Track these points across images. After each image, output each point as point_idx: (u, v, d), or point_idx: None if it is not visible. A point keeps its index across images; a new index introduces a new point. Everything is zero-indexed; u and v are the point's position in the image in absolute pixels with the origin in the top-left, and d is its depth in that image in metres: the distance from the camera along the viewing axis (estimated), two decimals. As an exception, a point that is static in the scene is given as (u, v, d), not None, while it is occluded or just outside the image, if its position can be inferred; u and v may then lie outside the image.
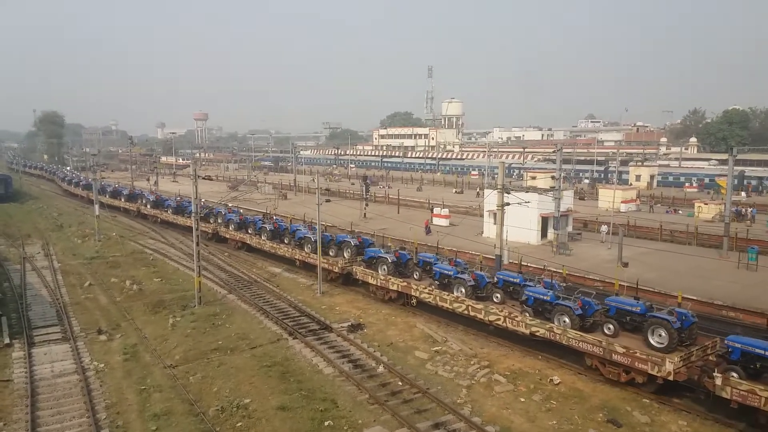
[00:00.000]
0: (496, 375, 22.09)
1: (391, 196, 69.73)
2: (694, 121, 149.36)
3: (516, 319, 24.01)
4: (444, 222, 49.83)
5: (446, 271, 28.00)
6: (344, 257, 35.23)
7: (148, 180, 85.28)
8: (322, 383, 21.33)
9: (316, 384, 21.24)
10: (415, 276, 29.91)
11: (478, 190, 76.01)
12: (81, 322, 28.83)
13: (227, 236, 46.86)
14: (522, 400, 20.20)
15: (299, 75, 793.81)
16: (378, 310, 30.62)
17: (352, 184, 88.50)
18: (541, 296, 23.67)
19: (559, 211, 40.16)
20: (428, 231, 45.82)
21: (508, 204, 31.27)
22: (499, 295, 25.91)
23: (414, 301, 29.61)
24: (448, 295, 27.12)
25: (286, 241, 40.13)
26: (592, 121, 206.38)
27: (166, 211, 56.71)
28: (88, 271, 39.33)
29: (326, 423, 18.37)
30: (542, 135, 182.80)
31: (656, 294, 28.86)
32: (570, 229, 44.05)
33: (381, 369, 22.61)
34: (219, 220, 48.51)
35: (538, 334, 23.15)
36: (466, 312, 26.23)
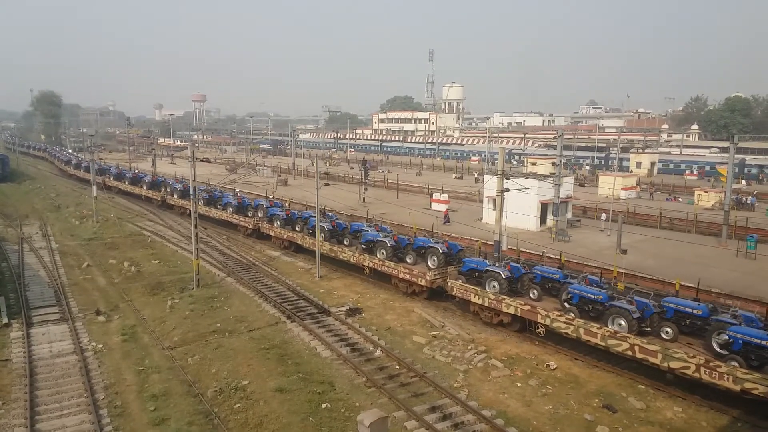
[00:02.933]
0: (493, 360, 22.18)
1: (390, 181, 69.55)
2: (695, 108, 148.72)
3: (718, 369, 18.02)
4: (443, 207, 49.72)
5: (591, 296, 22.04)
6: (429, 266, 29.39)
7: (153, 165, 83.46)
8: (320, 366, 21.42)
9: (313, 367, 21.32)
10: (531, 295, 24.52)
11: (476, 175, 75.87)
12: (79, 303, 28.87)
13: (271, 234, 41.17)
14: (518, 385, 20.31)
15: (299, 57, 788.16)
16: (376, 294, 30.66)
17: (351, 168, 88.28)
18: (758, 340, 17.87)
19: (558, 197, 40.06)
20: (447, 220, 43.83)
21: (507, 190, 31.12)
22: (669, 330, 20.22)
23: (541, 330, 23.53)
24: (599, 329, 21.08)
25: (346, 243, 34.91)
26: (593, 108, 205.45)
27: (198, 203, 51.86)
28: (86, 252, 39.30)
29: (323, 405, 18.47)
30: (543, 121, 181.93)
31: (655, 281, 28.89)
32: (569, 215, 43.97)
33: (378, 353, 22.69)
34: (260, 214, 43.18)
35: (756, 392, 17.32)
36: (628, 352, 20.18)
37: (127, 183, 65.90)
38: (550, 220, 41.78)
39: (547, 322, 22.98)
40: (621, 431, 17.49)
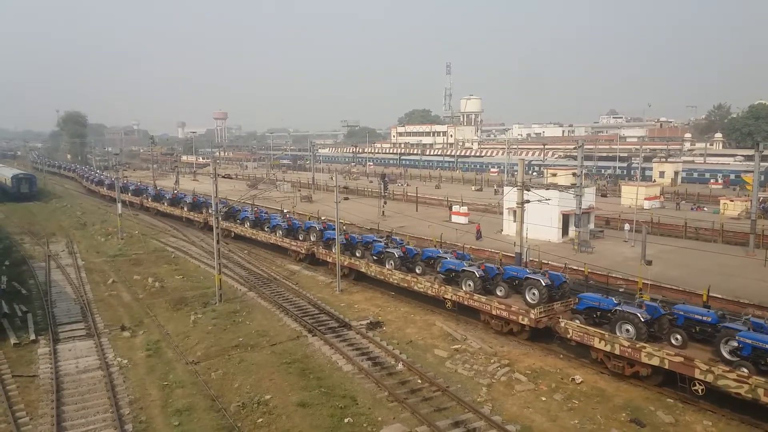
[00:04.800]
0: (517, 374, 21.91)
1: (409, 194, 69.60)
2: (719, 116, 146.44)
3: None
4: (463, 219, 49.56)
5: None
6: (528, 301, 25.20)
7: (176, 182, 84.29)
8: (342, 380, 21.38)
9: (335, 381, 21.29)
10: (673, 341, 20.46)
11: (495, 187, 75.57)
12: (105, 319, 29.29)
13: (328, 260, 37.37)
14: (543, 399, 20.00)
15: (318, 73, 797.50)
16: (397, 308, 30.57)
17: (371, 182, 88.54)
18: None
19: (580, 208, 39.67)
20: (479, 236, 42.15)
21: (528, 201, 30.96)
22: None
23: (699, 388, 19.06)
24: None
25: (418, 271, 31.51)
26: (614, 117, 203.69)
27: (243, 225, 47.95)
28: (111, 269, 39.93)
29: (346, 420, 18.41)
30: (563, 131, 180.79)
31: (681, 292, 28.33)
32: (592, 226, 43.50)
33: (400, 367, 22.58)
34: (313, 238, 40.17)
35: None
36: None
37: (166, 204, 62.70)
38: (572, 231, 41.35)
39: (709, 378, 18.58)
40: (650, 446, 17.11)
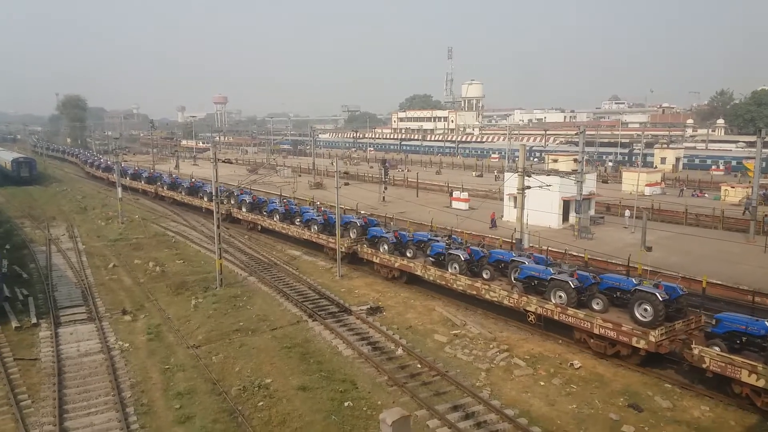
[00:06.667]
0: (516, 359, 22.02)
1: (409, 180, 69.53)
2: (721, 102, 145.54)
3: None
4: (463, 205, 49.55)
5: None
6: (638, 318, 20.84)
7: (176, 167, 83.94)
8: (342, 365, 21.50)
9: (335, 365, 21.41)
10: None
11: (496, 173, 75.44)
12: (106, 303, 29.39)
13: (374, 260, 33.33)
14: (542, 384, 20.12)
15: (319, 58, 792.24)
16: (397, 293, 30.64)
17: (371, 167, 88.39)
18: None
19: (581, 194, 39.60)
20: (493, 224, 41.20)
21: (528, 187, 30.88)
22: None
23: None
24: None
25: (485, 276, 27.18)
26: (616, 103, 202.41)
27: (271, 218, 44.03)
28: (112, 253, 39.98)
29: (346, 404, 18.54)
30: (565, 117, 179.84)
31: (681, 279, 28.34)
32: (592, 212, 43.49)
33: (400, 351, 22.69)
34: (352, 234, 36.04)
35: None
36: None
37: (183, 193, 58.74)
38: (572, 217, 41.34)
39: None
40: (647, 431, 17.23)
